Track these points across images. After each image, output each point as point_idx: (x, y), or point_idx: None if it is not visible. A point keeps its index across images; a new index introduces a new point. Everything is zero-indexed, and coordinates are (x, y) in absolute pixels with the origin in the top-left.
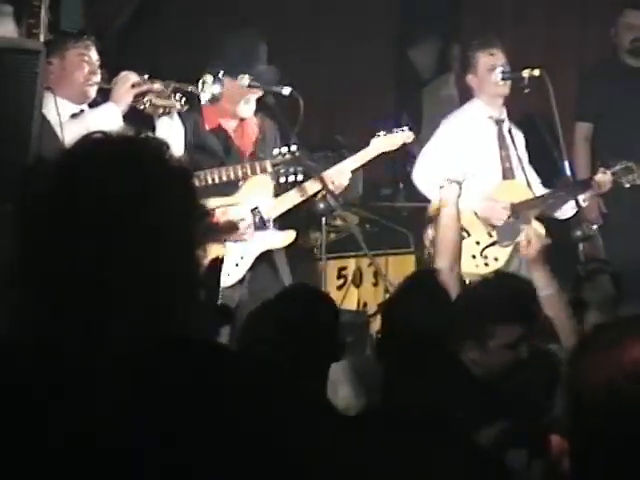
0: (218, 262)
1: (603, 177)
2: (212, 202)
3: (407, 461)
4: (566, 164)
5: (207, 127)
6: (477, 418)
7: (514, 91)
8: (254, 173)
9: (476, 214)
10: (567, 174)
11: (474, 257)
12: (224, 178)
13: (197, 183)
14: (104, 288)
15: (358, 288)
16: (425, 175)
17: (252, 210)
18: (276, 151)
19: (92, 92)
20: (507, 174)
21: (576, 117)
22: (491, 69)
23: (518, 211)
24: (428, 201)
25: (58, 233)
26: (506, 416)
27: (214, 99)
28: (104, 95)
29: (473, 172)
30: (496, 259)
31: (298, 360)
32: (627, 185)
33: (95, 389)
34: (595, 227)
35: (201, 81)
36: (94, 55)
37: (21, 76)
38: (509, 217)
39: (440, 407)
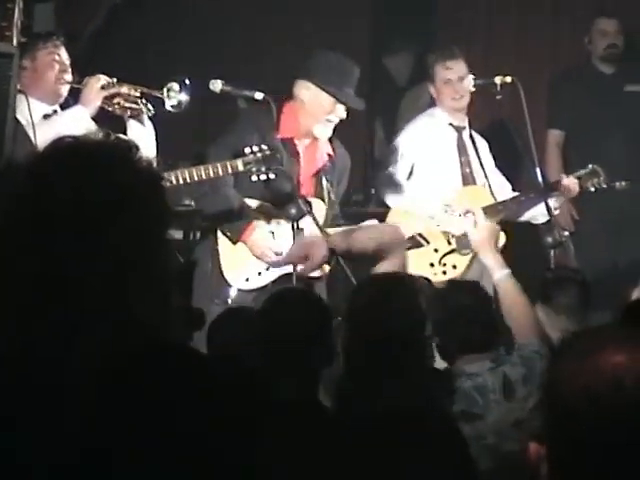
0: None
1: (568, 181)
2: (250, 202)
3: (388, 460)
4: (538, 171)
5: (279, 135)
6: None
7: (486, 98)
8: (225, 172)
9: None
10: (539, 181)
11: (432, 265)
12: (195, 178)
13: (168, 183)
14: (75, 292)
15: None
16: (386, 183)
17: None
18: (247, 150)
19: (64, 91)
20: (467, 180)
21: (547, 124)
22: (447, 82)
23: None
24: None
25: (27, 238)
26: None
27: (179, 106)
28: (75, 96)
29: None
30: (454, 267)
31: (289, 364)
32: (592, 189)
33: (63, 397)
34: (567, 234)
35: (166, 88)
36: (64, 54)
37: None
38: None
39: (417, 407)
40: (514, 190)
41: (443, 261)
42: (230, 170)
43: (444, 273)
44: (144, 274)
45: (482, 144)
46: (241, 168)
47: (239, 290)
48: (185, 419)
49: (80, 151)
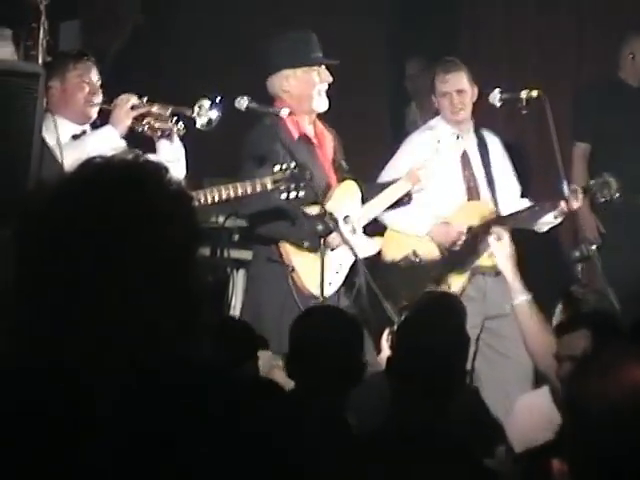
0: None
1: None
2: (308, 209)
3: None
4: (565, 184)
5: (295, 135)
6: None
7: (512, 112)
8: (254, 190)
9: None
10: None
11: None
12: (224, 197)
13: (196, 202)
14: (104, 308)
15: None
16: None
17: (344, 218)
18: (277, 167)
19: (93, 113)
20: (472, 194)
21: (574, 137)
22: (444, 95)
23: (477, 234)
24: None
25: (57, 255)
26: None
27: (210, 124)
28: (104, 116)
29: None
30: (448, 286)
31: (318, 380)
32: (602, 200)
33: (95, 413)
34: (594, 247)
35: (197, 105)
36: (94, 76)
37: (21, 99)
38: (466, 240)
39: (447, 429)
40: (523, 196)
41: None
42: (259, 188)
43: None
44: (173, 293)
45: (494, 145)
46: (270, 186)
47: (328, 297)
48: (202, 438)
49: (109, 172)
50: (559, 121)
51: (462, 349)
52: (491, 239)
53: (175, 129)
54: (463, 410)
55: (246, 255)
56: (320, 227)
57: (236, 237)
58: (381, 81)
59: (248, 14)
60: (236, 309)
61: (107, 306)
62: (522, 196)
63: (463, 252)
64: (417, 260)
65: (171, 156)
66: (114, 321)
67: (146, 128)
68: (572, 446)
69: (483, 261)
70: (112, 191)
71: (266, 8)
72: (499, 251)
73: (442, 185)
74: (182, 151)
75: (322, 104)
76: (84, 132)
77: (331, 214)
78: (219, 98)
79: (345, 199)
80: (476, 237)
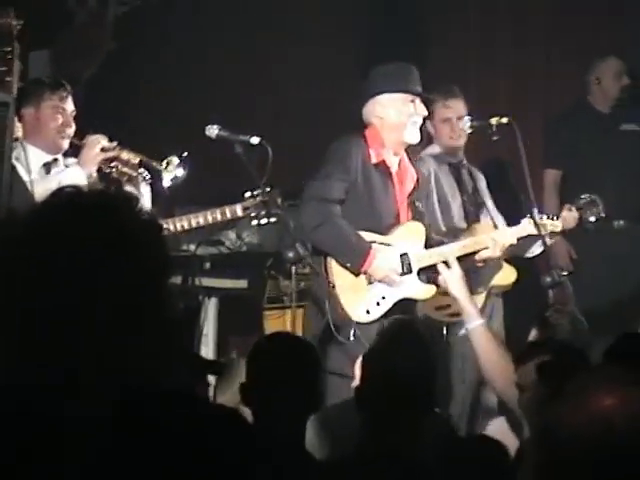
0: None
1: (569, 214)
2: (366, 236)
3: None
4: (535, 211)
5: (373, 160)
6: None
7: (482, 139)
8: (224, 217)
9: None
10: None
11: (440, 308)
12: (193, 225)
13: (167, 232)
14: (72, 337)
15: None
16: None
17: (401, 255)
18: (247, 194)
19: (65, 144)
20: (471, 217)
21: (544, 163)
22: (446, 121)
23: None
24: None
25: (24, 285)
26: None
27: (175, 179)
28: (76, 147)
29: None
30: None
31: (281, 410)
32: (592, 218)
33: (64, 444)
34: (565, 274)
35: (166, 161)
36: (69, 106)
37: None
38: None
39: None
40: (508, 226)
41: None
42: (229, 215)
43: (452, 315)
44: (144, 320)
45: (480, 180)
46: (240, 213)
47: (358, 323)
48: (178, 466)
49: (80, 200)
50: (529, 148)
51: (428, 376)
52: (440, 266)
53: (140, 179)
54: (431, 435)
55: (217, 283)
56: (290, 255)
57: (207, 265)
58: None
59: (217, 43)
60: (208, 337)
61: (75, 335)
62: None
63: (474, 276)
64: None
65: None
66: (82, 350)
67: (114, 171)
68: (540, 474)
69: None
70: (82, 219)
71: (236, 37)
72: (450, 276)
73: (445, 211)
74: (149, 199)
75: (414, 136)
76: (55, 160)
77: (404, 255)
78: (185, 154)
79: (408, 237)
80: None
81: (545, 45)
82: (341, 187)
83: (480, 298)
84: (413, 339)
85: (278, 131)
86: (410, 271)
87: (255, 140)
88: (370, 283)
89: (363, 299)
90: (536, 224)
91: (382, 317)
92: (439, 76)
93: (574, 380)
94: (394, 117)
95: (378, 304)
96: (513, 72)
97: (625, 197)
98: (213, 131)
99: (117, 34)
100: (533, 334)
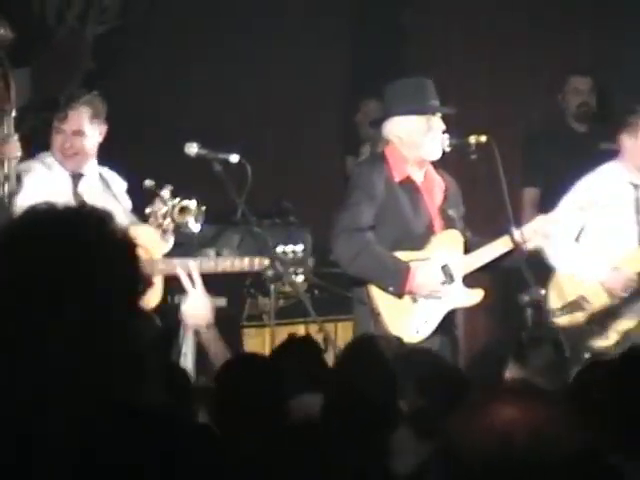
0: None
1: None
2: (403, 256)
3: None
4: (513, 228)
5: (396, 179)
6: None
7: (461, 157)
8: (251, 268)
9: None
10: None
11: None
12: (219, 270)
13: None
14: (40, 356)
15: None
16: None
17: (442, 267)
18: (279, 249)
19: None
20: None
21: (523, 182)
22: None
23: None
24: None
25: None
26: None
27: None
28: None
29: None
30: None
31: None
32: None
33: (31, 464)
34: (543, 292)
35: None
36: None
37: None
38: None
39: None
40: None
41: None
42: (257, 266)
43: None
44: (114, 339)
45: None
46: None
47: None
48: None
49: (51, 218)
50: (508, 166)
51: (388, 390)
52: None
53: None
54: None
55: None
56: (269, 272)
57: None
58: (333, 127)
59: (200, 59)
60: (187, 355)
61: (43, 354)
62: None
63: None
64: (587, 306)
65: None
66: (50, 369)
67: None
68: None
69: None
70: (52, 236)
71: (218, 54)
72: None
73: (615, 230)
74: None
75: (434, 152)
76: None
77: (445, 266)
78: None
79: (445, 248)
80: None
81: (527, 64)
82: (370, 213)
83: (629, 324)
84: (370, 354)
85: (259, 147)
86: (454, 280)
87: (234, 158)
88: (415, 302)
89: (411, 320)
90: (515, 242)
91: (434, 332)
92: None
93: (475, 393)
94: (411, 136)
95: (426, 322)
96: (493, 90)
97: None
98: (192, 149)
99: (96, 53)
100: (510, 371)
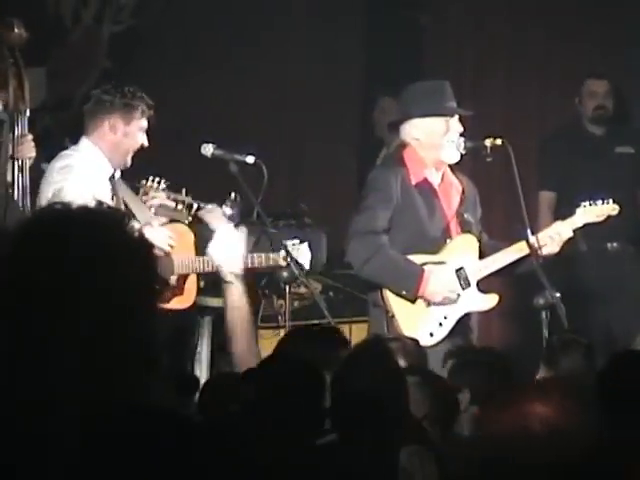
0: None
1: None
2: (417, 259)
3: None
4: (529, 232)
5: (413, 181)
6: None
7: (476, 160)
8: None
9: None
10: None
11: None
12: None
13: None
14: (55, 355)
15: None
16: None
17: (457, 270)
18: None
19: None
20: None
21: (539, 186)
22: None
23: None
24: None
25: (9, 299)
26: None
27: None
28: None
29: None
30: None
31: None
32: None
33: (47, 463)
34: (558, 295)
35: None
36: None
37: None
38: None
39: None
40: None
41: None
42: (272, 263)
43: None
44: (127, 339)
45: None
46: (282, 263)
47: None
48: None
49: (67, 217)
50: (524, 170)
51: (397, 394)
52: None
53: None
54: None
55: (211, 302)
56: (284, 274)
57: (202, 283)
58: (349, 128)
59: (215, 58)
60: (202, 355)
61: (58, 353)
62: None
63: None
64: None
65: None
66: (65, 368)
67: None
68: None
69: None
70: (68, 236)
71: (233, 54)
72: None
73: None
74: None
75: (452, 155)
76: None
77: (460, 270)
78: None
79: (460, 251)
80: None
81: (543, 67)
82: (385, 216)
83: None
84: (380, 357)
85: (275, 150)
86: (469, 285)
87: (250, 159)
88: (429, 305)
89: (425, 323)
90: (530, 246)
91: (447, 336)
92: None
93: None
94: (429, 139)
95: (441, 325)
96: (509, 94)
97: (618, 219)
98: (208, 150)
99: (112, 52)
100: (541, 374)
